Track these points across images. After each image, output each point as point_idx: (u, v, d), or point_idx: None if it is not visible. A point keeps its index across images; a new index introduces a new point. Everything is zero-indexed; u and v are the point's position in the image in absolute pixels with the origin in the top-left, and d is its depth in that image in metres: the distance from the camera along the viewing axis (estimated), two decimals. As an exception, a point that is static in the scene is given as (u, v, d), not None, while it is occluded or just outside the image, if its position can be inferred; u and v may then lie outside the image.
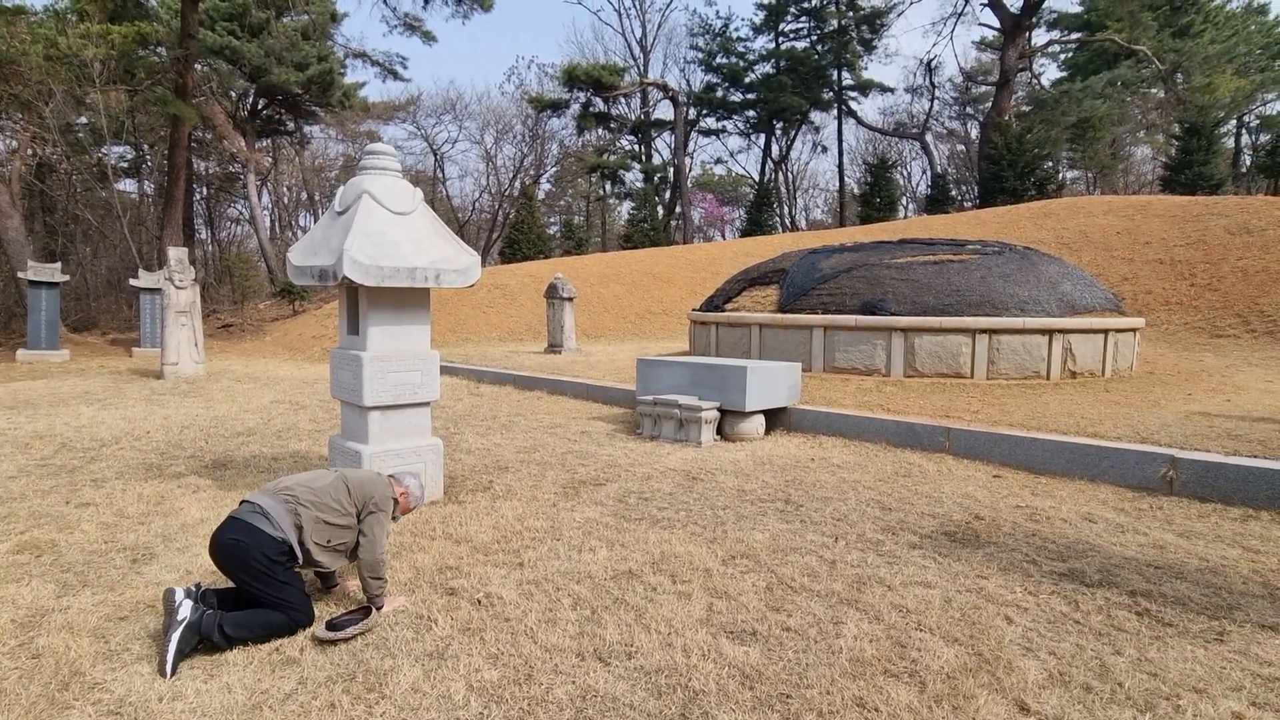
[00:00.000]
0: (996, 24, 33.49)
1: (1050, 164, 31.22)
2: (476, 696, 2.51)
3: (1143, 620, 3.09)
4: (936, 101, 41.61)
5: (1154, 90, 32.74)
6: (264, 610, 2.91)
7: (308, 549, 3.05)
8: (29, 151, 23.98)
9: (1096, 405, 7.06)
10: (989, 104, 35.57)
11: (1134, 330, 9.39)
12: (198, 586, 2.94)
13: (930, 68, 39.95)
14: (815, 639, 2.91)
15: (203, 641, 2.78)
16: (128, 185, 30.75)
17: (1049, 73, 37.40)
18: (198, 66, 22.46)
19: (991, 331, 8.36)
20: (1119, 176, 37.47)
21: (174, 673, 2.65)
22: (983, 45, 38.86)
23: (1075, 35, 33.15)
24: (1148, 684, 2.58)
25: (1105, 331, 8.80)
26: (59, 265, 16.44)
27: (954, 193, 37.68)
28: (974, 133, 40.72)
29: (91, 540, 4.07)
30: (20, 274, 16.50)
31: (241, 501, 3.14)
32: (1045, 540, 4.06)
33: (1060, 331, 8.49)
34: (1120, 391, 7.95)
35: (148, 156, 29.66)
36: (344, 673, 2.67)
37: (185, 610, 2.78)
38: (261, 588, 2.92)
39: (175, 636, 2.70)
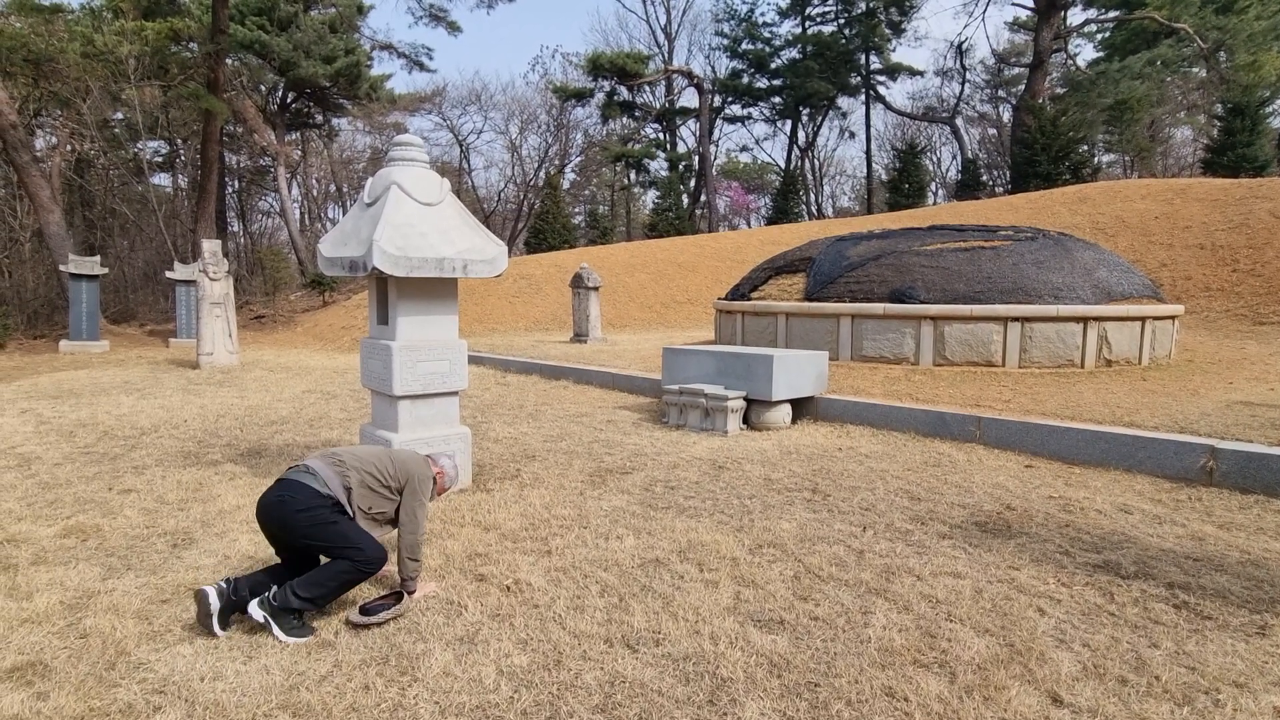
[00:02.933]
0: (1030, 4, 32.65)
1: (1085, 147, 30.44)
2: (507, 681, 2.55)
3: (1180, 613, 3.03)
4: (967, 85, 40.74)
5: (1195, 70, 31.66)
6: (329, 563, 2.96)
7: (353, 512, 3.09)
8: (68, 147, 24.59)
9: (1133, 394, 6.91)
10: (1022, 86, 34.75)
11: (1173, 317, 9.16)
12: (228, 582, 2.93)
13: (961, 50, 39.11)
14: (843, 628, 2.90)
15: (288, 613, 2.85)
16: (162, 179, 31.45)
17: (1085, 53, 36.48)
18: (228, 61, 22.78)
19: (1024, 319, 8.21)
20: (1158, 159, 36.41)
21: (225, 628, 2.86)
22: (1016, 26, 37.93)
23: (1113, 14, 32.14)
24: (1186, 677, 2.53)
25: (1142, 319, 8.59)
26: (98, 258, 16.86)
27: (985, 178, 36.94)
28: (1006, 116, 39.86)
29: (134, 525, 4.19)
30: (62, 267, 16.95)
31: (289, 467, 3.20)
32: (1079, 531, 3.99)
33: (1096, 319, 8.31)
34: (1158, 380, 7.77)
35: (181, 151, 30.25)
36: (377, 656, 2.72)
37: (216, 605, 2.86)
38: (318, 540, 2.96)
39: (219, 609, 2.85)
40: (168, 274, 18.11)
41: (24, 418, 7.62)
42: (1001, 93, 40.97)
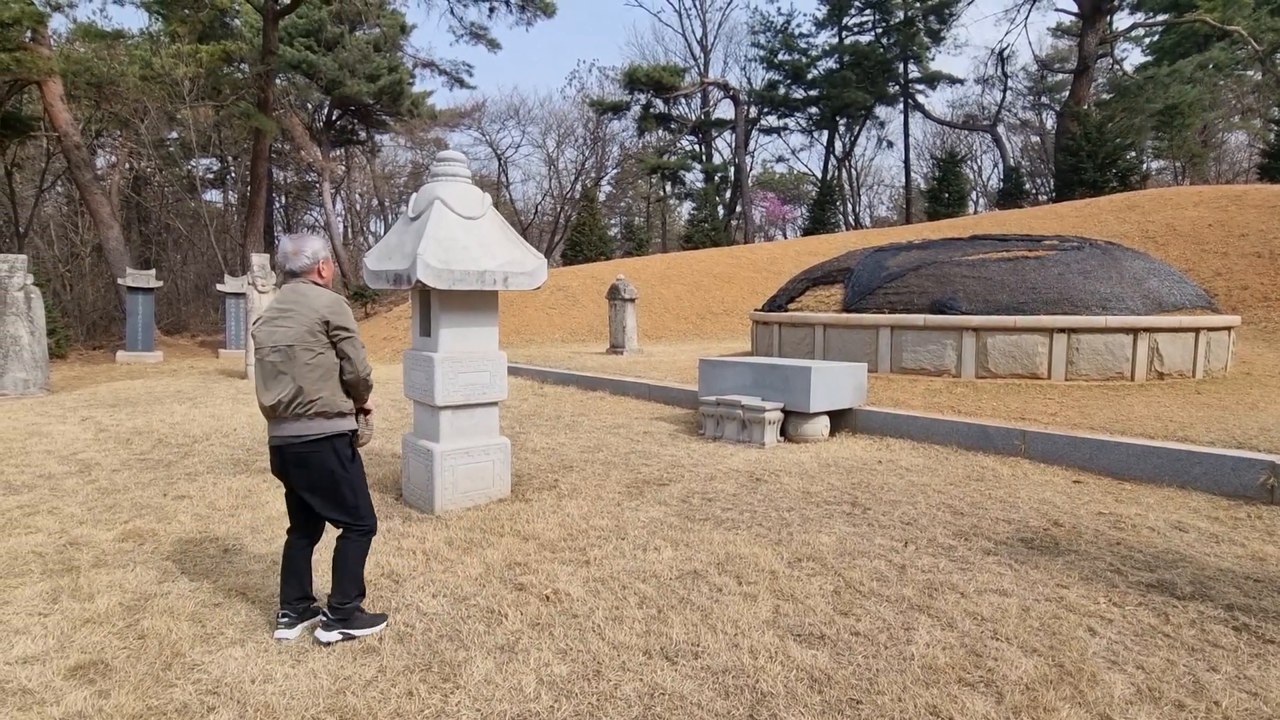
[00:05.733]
0: (1075, 9, 32.00)
1: (1133, 154, 29.61)
2: (547, 690, 2.57)
3: (1240, 636, 2.92)
4: (1009, 92, 39.98)
5: (1250, 73, 30.65)
6: (340, 558, 3.03)
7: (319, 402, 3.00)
8: (126, 166, 25.65)
9: (1187, 407, 6.68)
10: (1066, 92, 33.98)
11: (1228, 328, 8.84)
12: (281, 614, 3.06)
13: (1003, 57, 38.41)
14: (885, 644, 2.86)
15: (349, 616, 3.00)
16: (213, 195, 32.57)
17: (1132, 58, 35.57)
18: (277, 81, 23.56)
19: (1071, 330, 8.01)
20: (1210, 165, 35.24)
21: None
22: (1059, 31, 37.17)
23: (1162, 17, 31.29)
24: (1247, 703, 2.44)
25: (1196, 330, 8.31)
26: (153, 272, 17.52)
27: (1028, 186, 36.15)
28: (1050, 123, 38.98)
29: (187, 531, 4.33)
30: (120, 280, 17.64)
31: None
32: (1131, 549, 3.87)
33: (1146, 330, 8.06)
34: (1213, 393, 7.50)
35: (231, 168, 31.32)
36: (420, 662, 2.77)
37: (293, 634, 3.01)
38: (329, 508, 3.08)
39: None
40: (218, 287, 18.71)
41: (84, 425, 7.94)
42: (1045, 99, 40.12)
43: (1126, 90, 30.12)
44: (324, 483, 3.02)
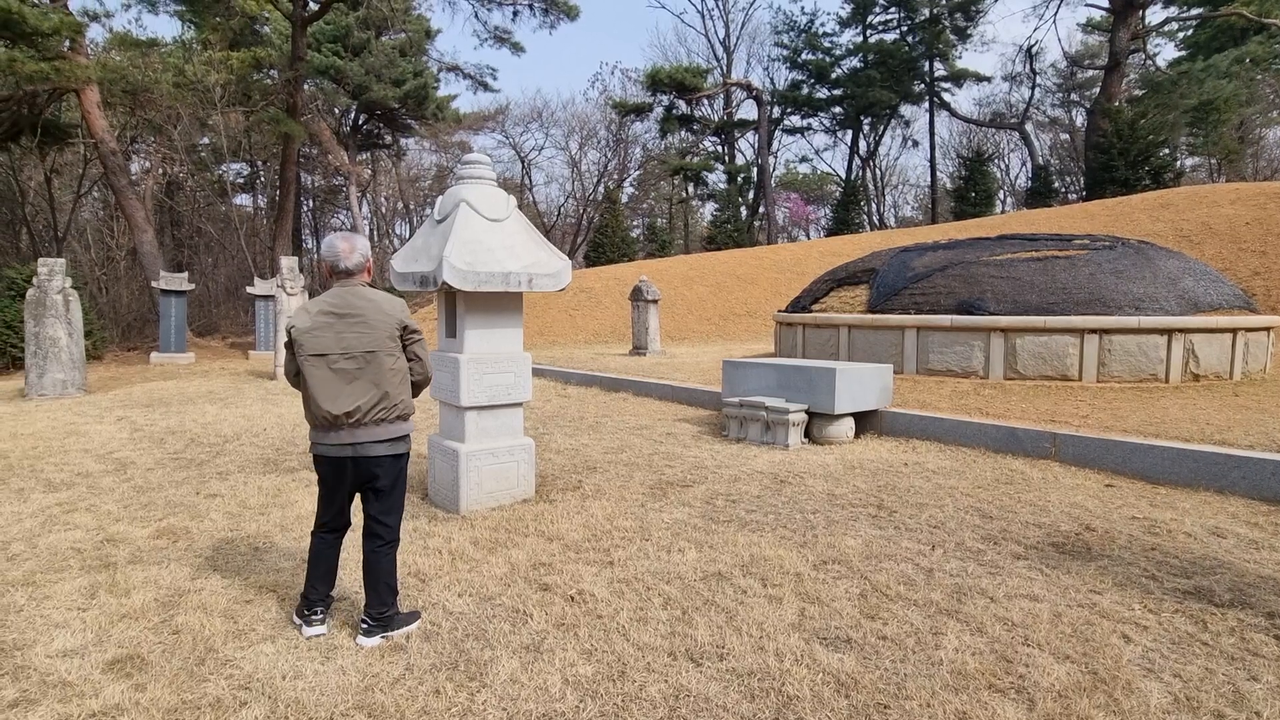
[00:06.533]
0: (1106, 4, 31.43)
1: (1167, 151, 28.98)
2: (572, 690, 2.58)
3: (1282, 645, 2.84)
4: (1037, 89, 39.36)
5: (1288, 67, 29.85)
6: (373, 568, 3.02)
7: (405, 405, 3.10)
8: (160, 171, 26.22)
9: (1224, 410, 6.52)
10: (1097, 89, 33.40)
11: (1268, 329, 8.62)
12: (311, 611, 3.07)
13: (1031, 54, 37.86)
14: (913, 649, 2.83)
15: (387, 620, 3.01)
16: (243, 200, 33.18)
17: (1165, 53, 34.77)
18: (305, 86, 23.94)
19: (1102, 331, 7.86)
20: (1247, 162, 34.36)
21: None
22: (1090, 27, 36.51)
23: (1196, 11, 30.60)
24: (1289, 714, 2.37)
25: (1234, 330, 8.12)
26: (186, 275, 17.88)
27: (1057, 185, 35.54)
28: (1080, 121, 38.32)
29: (219, 528, 4.41)
30: (154, 283, 18.04)
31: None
32: (1166, 555, 3.79)
33: (1181, 331, 7.89)
34: (1252, 395, 7.31)
35: (261, 172, 31.90)
36: (447, 661, 2.79)
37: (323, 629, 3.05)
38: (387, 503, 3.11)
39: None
40: (248, 289, 19.06)
41: (120, 425, 8.13)
42: (1074, 96, 39.45)
43: (1160, 86, 29.50)
44: (394, 485, 3.08)
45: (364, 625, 2.98)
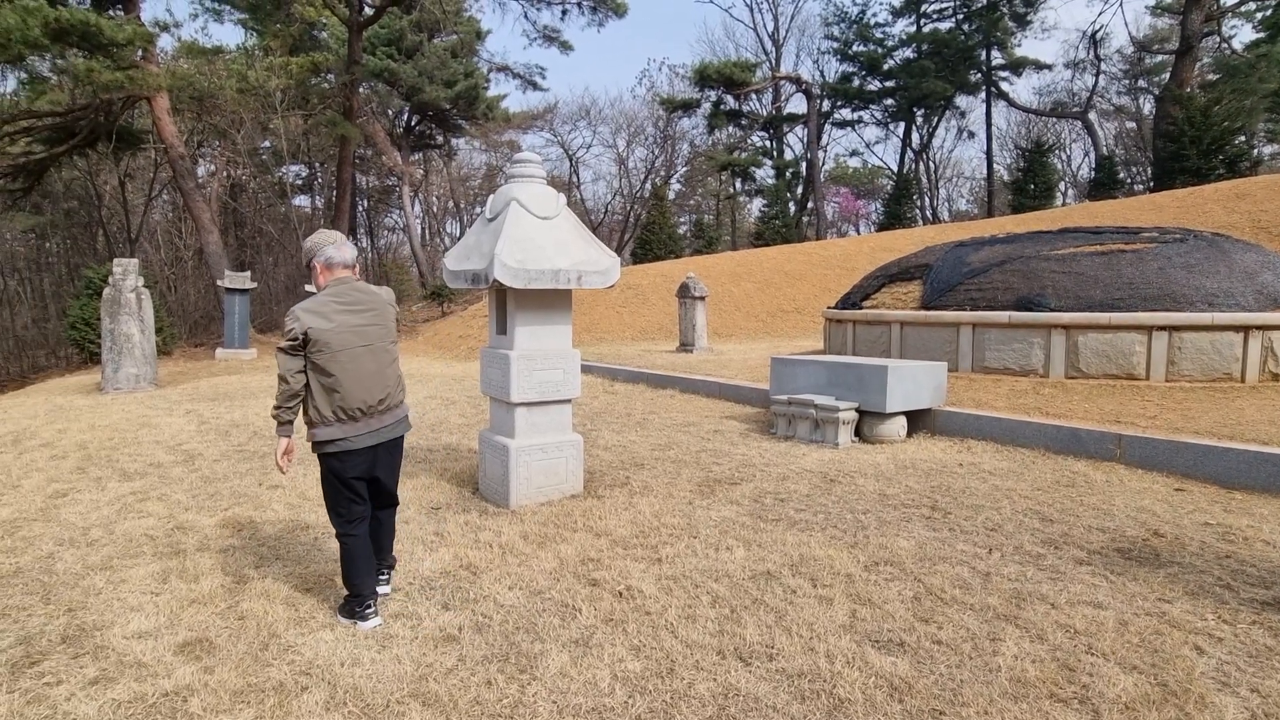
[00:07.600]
0: (1176, -15, 29.97)
1: (1243, 138, 27.50)
2: (621, 686, 2.59)
3: (1372, 662, 2.67)
4: (1102, 76, 37.81)
5: (1380, 46, 27.94)
6: (389, 522, 3.49)
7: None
8: (224, 174, 27.26)
9: (1306, 412, 6.17)
10: (1166, 75, 31.86)
11: (1355, 326, 8.10)
12: (365, 606, 3.15)
13: (1095, 39, 36.38)
14: (970, 655, 2.76)
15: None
16: (302, 200, 34.27)
17: (1241, 35, 33.02)
18: (361, 89, 24.56)
19: (1172, 328, 7.51)
20: (1333, 149, 32.38)
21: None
22: (1159, 10, 34.84)
23: (1276, -10, 28.94)
24: (1380, 735, 2.23)
25: (1317, 328, 7.65)
26: (249, 274, 18.54)
27: (1123, 175, 34.10)
28: (1147, 108, 36.68)
29: (280, 519, 4.57)
30: (219, 282, 18.76)
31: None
32: (1242, 563, 3.60)
33: (1259, 328, 7.48)
34: (1337, 397, 6.89)
35: (318, 174, 32.89)
36: (498, 653, 2.84)
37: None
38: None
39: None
40: (306, 288, 19.61)
41: (188, 418, 8.49)
42: (1142, 83, 37.74)
43: (1236, 70, 27.97)
44: (399, 459, 3.41)
45: (383, 576, 3.38)
